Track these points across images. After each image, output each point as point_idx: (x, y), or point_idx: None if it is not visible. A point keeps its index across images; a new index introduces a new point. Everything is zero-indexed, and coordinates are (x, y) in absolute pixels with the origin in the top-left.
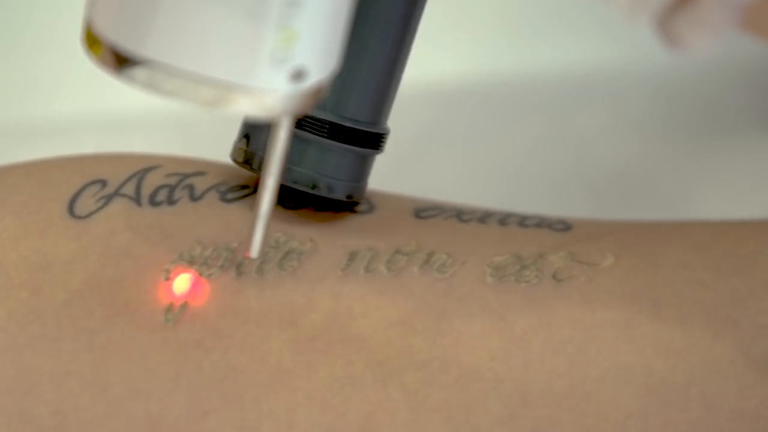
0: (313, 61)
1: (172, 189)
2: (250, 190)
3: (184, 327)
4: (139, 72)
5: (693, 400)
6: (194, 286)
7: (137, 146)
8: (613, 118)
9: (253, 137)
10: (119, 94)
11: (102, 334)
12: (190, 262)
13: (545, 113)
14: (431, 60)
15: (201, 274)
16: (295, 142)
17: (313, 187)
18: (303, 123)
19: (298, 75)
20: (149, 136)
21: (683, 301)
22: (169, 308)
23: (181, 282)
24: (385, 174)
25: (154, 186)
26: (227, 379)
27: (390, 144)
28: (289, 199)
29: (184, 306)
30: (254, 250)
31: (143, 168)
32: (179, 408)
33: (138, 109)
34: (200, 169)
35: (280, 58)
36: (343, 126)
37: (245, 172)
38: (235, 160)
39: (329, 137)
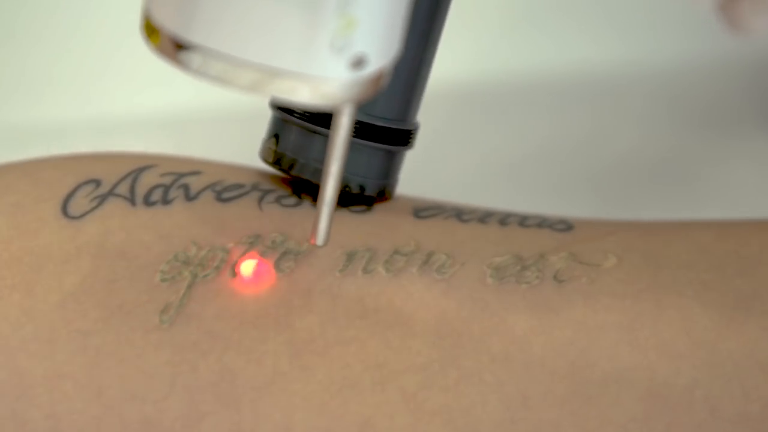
0: (373, 48)
1: (167, 189)
2: (246, 189)
3: (179, 329)
4: (193, 58)
5: (696, 402)
6: (259, 270)
7: (131, 146)
8: (614, 117)
9: (282, 137)
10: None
11: (96, 335)
12: (185, 262)
13: (546, 112)
14: (435, 59)
15: (196, 276)
16: (324, 141)
17: (345, 186)
18: (330, 122)
19: (359, 62)
20: (144, 136)
21: (686, 303)
22: (165, 310)
23: (248, 267)
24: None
25: (148, 186)
26: (223, 382)
27: None
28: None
29: (180, 307)
30: (320, 238)
31: (138, 167)
32: (175, 411)
33: (133, 110)
34: (195, 168)
35: (340, 46)
36: (372, 125)
37: (242, 172)
38: (265, 160)
39: (358, 136)
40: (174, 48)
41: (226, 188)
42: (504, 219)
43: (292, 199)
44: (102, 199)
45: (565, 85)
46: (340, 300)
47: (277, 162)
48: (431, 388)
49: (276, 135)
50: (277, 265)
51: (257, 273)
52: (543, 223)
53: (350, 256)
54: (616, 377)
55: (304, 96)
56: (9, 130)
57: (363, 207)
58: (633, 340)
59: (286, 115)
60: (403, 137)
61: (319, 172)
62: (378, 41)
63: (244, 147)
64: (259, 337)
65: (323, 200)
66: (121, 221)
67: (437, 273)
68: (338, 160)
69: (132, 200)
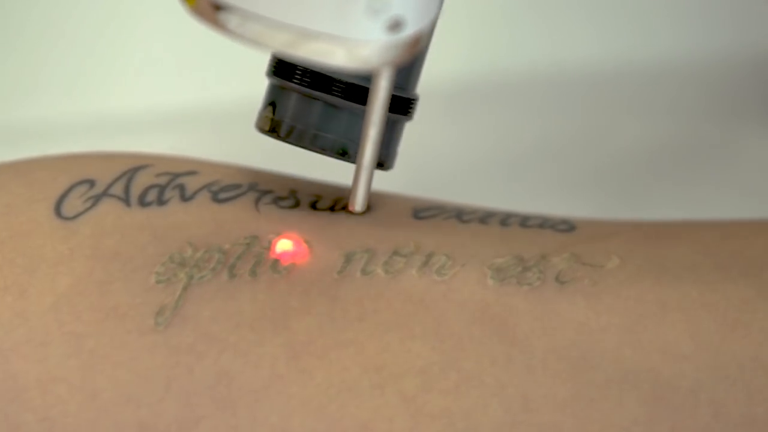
0: (410, 10)
1: (162, 189)
2: (243, 190)
3: (175, 331)
4: (231, 19)
5: (701, 405)
6: (296, 248)
7: (126, 146)
8: (614, 114)
9: (279, 105)
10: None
11: (90, 338)
12: (181, 264)
13: (547, 111)
14: (431, 57)
15: (192, 277)
16: (322, 107)
17: (343, 152)
18: (332, 87)
19: (396, 25)
20: (139, 135)
21: (690, 304)
22: (160, 311)
23: (284, 244)
24: (384, 173)
25: (143, 186)
26: (220, 385)
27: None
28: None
29: (175, 309)
30: (359, 204)
31: (132, 167)
32: (170, 415)
33: (128, 109)
34: (191, 168)
35: (376, 8)
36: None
37: (238, 172)
38: (261, 129)
39: (359, 102)
40: (212, 9)
41: (223, 189)
42: (505, 219)
43: (290, 201)
44: (96, 199)
45: (565, 81)
46: (339, 302)
47: (273, 130)
48: (431, 391)
49: (273, 103)
50: (274, 267)
51: (293, 252)
52: (545, 223)
53: (348, 258)
54: (619, 379)
55: (341, 59)
56: (1, 130)
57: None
58: (636, 342)
59: (284, 81)
60: (404, 105)
61: (318, 138)
62: (415, 3)
63: (241, 147)
64: (256, 339)
65: (361, 165)
66: (115, 222)
67: (437, 274)
68: (376, 125)
69: (127, 201)
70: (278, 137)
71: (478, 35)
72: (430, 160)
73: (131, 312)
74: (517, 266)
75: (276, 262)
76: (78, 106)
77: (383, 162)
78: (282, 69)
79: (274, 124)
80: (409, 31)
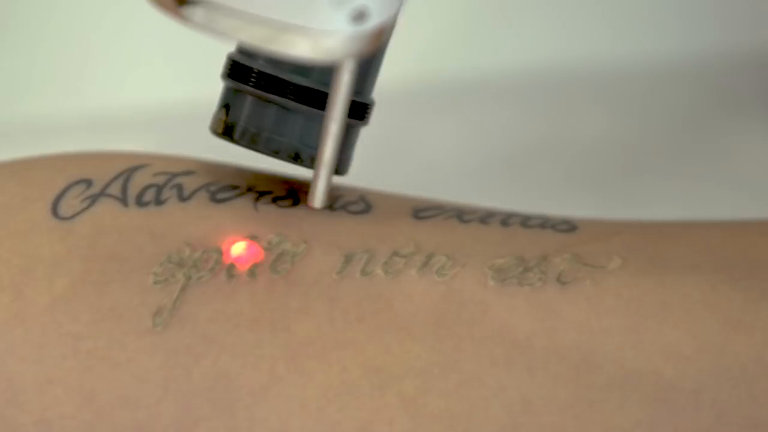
0: (374, 2)
1: (159, 189)
2: (242, 190)
3: (173, 332)
4: (196, 12)
5: (703, 407)
6: (249, 251)
7: (123, 145)
8: (618, 115)
9: (233, 107)
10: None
11: (88, 339)
12: (179, 264)
13: (547, 110)
14: (430, 56)
15: (190, 278)
16: (277, 110)
17: (296, 157)
18: (286, 90)
19: (360, 16)
20: (136, 134)
21: (693, 305)
22: (158, 312)
23: (238, 248)
24: (384, 173)
25: (141, 186)
26: (218, 386)
27: (390, 142)
28: None
29: (173, 310)
30: (318, 200)
31: (130, 167)
32: (168, 416)
33: (125, 108)
34: (189, 168)
35: None
36: (326, 94)
37: (237, 172)
38: (214, 131)
39: (313, 106)
40: (175, 2)
41: (221, 188)
42: (506, 219)
43: (288, 200)
44: (93, 199)
45: (565, 81)
46: (338, 303)
47: (226, 132)
48: (431, 393)
49: (227, 105)
50: (274, 267)
51: (247, 254)
52: (546, 223)
53: (348, 258)
54: (621, 381)
55: (304, 50)
56: None
57: (361, 207)
58: (638, 344)
59: (238, 83)
60: (359, 110)
61: (271, 141)
62: None
63: (240, 147)
64: (255, 340)
65: (321, 161)
66: (112, 222)
67: (437, 275)
68: (337, 121)
69: (124, 200)
70: (231, 140)
71: (478, 35)
72: (430, 160)
73: (129, 313)
74: (518, 267)
75: (275, 262)
76: (72, 104)
77: (338, 167)
78: (237, 71)
79: (228, 126)
80: (373, 22)
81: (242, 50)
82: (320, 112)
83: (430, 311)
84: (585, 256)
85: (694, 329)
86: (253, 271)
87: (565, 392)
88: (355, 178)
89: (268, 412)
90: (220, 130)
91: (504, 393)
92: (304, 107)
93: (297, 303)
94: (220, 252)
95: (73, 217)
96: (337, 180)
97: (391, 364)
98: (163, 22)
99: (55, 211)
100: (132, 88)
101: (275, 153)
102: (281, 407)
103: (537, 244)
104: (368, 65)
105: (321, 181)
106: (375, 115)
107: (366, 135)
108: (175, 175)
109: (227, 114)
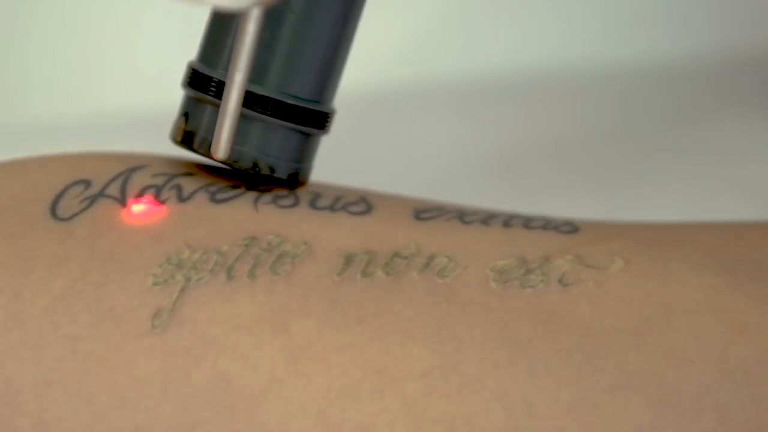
0: None
1: (158, 189)
2: (241, 190)
3: (172, 334)
4: None
5: (706, 410)
6: (150, 209)
7: (122, 146)
8: (617, 115)
9: (192, 115)
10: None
11: (86, 341)
12: (178, 265)
13: (547, 110)
14: (431, 57)
15: (190, 279)
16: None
17: (255, 166)
18: (245, 100)
19: None
20: (135, 135)
21: (696, 307)
22: (157, 314)
23: (138, 207)
24: (384, 172)
25: (140, 186)
26: (217, 389)
27: (390, 141)
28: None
29: (172, 312)
30: (221, 150)
31: (129, 168)
32: (167, 419)
33: (124, 108)
34: (188, 169)
35: None
36: (285, 103)
37: (236, 173)
38: (174, 140)
39: (272, 115)
40: None
41: (221, 189)
42: (507, 221)
43: (289, 200)
44: (92, 200)
45: (565, 81)
46: (338, 304)
47: (185, 141)
48: (432, 395)
49: (186, 113)
50: (273, 269)
51: (147, 210)
52: (548, 224)
53: (348, 259)
54: (624, 384)
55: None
56: None
57: (362, 208)
58: (641, 346)
59: (198, 93)
60: (319, 119)
61: (230, 151)
62: None
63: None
64: (255, 342)
65: (225, 111)
66: (111, 223)
67: (438, 277)
68: (242, 71)
69: (123, 201)
70: (190, 148)
71: (479, 35)
72: (430, 161)
73: (128, 314)
74: (519, 268)
75: (275, 263)
76: (70, 105)
77: (298, 175)
78: (197, 80)
79: (187, 134)
80: None
81: (203, 59)
82: (278, 121)
83: (432, 313)
84: (587, 258)
85: (698, 332)
86: (252, 273)
87: (568, 395)
88: (355, 178)
89: (268, 414)
90: (179, 139)
91: (506, 395)
92: (263, 116)
93: (297, 305)
94: (220, 253)
95: (71, 217)
96: (337, 180)
97: (392, 367)
98: (163, 23)
99: (53, 211)
100: (131, 89)
101: (234, 162)
102: (281, 410)
103: (539, 246)
104: (328, 72)
105: (225, 131)
106: (375, 116)
107: (367, 135)
108: (174, 175)
109: (186, 122)
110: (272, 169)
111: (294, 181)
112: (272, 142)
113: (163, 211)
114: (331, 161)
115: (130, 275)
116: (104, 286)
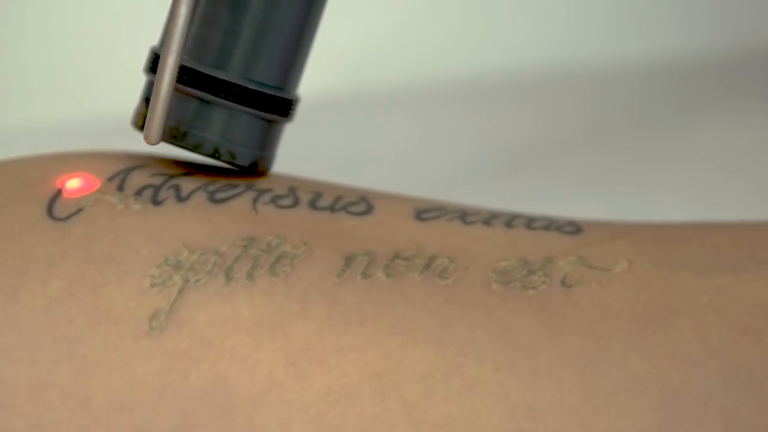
0: None
1: (157, 189)
2: (240, 190)
3: (170, 335)
4: None
5: (710, 413)
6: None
7: (120, 145)
8: (619, 113)
9: None
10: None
11: (83, 343)
12: (176, 266)
13: (548, 110)
14: (431, 57)
15: (188, 280)
16: (197, 105)
17: (216, 153)
18: (207, 85)
19: None
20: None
21: (700, 309)
22: (154, 316)
23: (73, 183)
24: (384, 172)
25: (138, 186)
26: (216, 391)
27: (391, 142)
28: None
29: (170, 313)
30: (152, 135)
31: (126, 167)
32: (165, 422)
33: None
34: (187, 168)
35: None
36: (249, 89)
37: (235, 172)
38: (135, 125)
39: (235, 101)
40: None
41: (219, 189)
42: (510, 221)
43: (289, 200)
44: (89, 200)
45: (565, 81)
46: (338, 306)
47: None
48: (433, 398)
49: (147, 99)
50: (273, 270)
51: (82, 183)
52: (550, 225)
53: (348, 261)
54: (627, 386)
55: None
56: None
57: (362, 208)
58: (645, 348)
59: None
60: (282, 106)
61: (190, 136)
62: None
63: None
64: (254, 344)
65: (158, 95)
66: (108, 223)
67: (439, 278)
68: (174, 53)
69: (120, 201)
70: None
71: (482, 33)
72: (433, 159)
73: (125, 316)
74: (521, 269)
75: (274, 264)
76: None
77: (258, 164)
78: (155, 64)
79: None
80: None
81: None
82: (240, 107)
83: (433, 315)
84: (590, 259)
85: (702, 334)
86: (251, 274)
87: (570, 398)
88: (356, 178)
89: (267, 417)
90: (140, 124)
91: (508, 398)
92: (226, 102)
93: (296, 306)
94: (218, 254)
95: (68, 218)
96: (337, 180)
97: (392, 369)
98: (162, 24)
99: (50, 212)
100: (130, 90)
101: (195, 148)
102: (280, 413)
103: (541, 247)
104: (292, 58)
105: (157, 115)
106: (376, 116)
107: (367, 135)
108: (172, 175)
109: (147, 108)
110: (233, 156)
111: (255, 168)
112: (235, 128)
113: (96, 184)
114: (332, 160)
115: (128, 276)
116: (101, 287)
